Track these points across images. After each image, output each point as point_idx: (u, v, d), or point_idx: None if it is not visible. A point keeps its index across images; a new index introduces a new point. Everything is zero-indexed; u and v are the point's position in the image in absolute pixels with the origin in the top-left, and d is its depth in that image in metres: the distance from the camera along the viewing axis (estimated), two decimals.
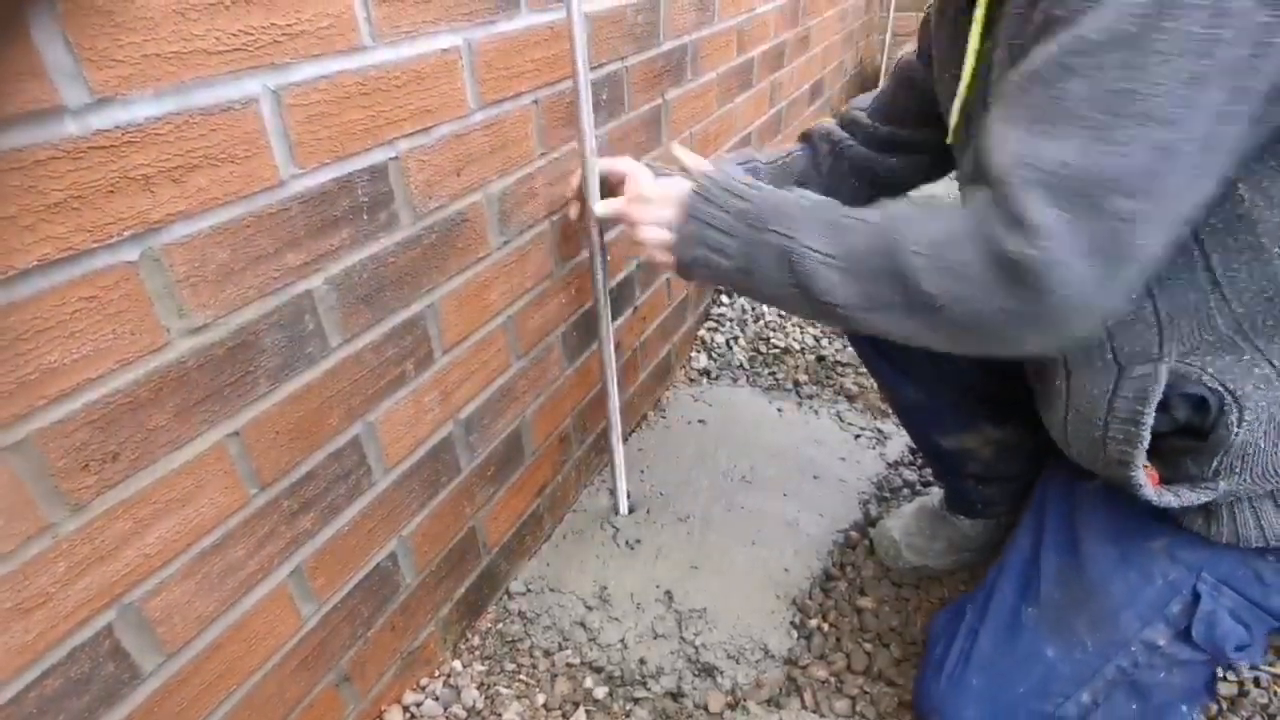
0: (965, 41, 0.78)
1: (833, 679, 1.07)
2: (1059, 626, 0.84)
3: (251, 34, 0.63)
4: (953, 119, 0.84)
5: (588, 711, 1.04)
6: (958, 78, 0.80)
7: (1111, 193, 0.56)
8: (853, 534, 1.31)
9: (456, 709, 1.03)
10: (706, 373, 1.77)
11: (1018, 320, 0.62)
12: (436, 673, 1.09)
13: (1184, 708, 0.84)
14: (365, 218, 0.79)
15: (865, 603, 1.17)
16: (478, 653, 1.13)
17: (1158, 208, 0.57)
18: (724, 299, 1.92)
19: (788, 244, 0.72)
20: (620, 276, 1.36)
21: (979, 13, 0.75)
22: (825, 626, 1.15)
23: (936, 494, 1.29)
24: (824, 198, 0.78)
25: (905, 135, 1.08)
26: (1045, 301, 0.59)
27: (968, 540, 1.21)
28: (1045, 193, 0.57)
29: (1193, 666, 0.82)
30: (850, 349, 1.79)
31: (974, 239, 0.61)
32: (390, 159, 0.80)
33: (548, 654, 1.12)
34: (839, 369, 1.75)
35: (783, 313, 1.89)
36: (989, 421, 1.11)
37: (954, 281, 0.63)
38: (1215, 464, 0.73)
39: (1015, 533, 0.96)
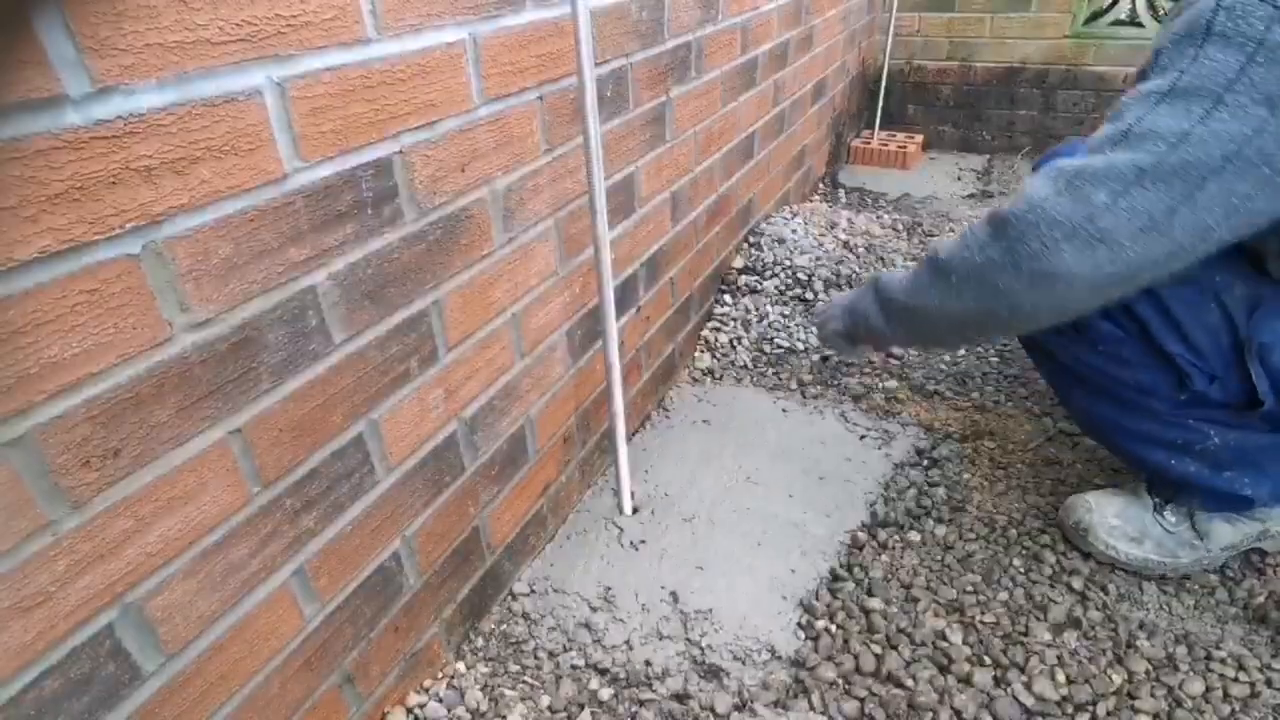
0: None
1: (841, 680, 1.06)
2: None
3: (255, 24, 0.62)
4: None
5: (593, 713, 1.03)
6: None
7: None
8: (859, 535, 1.30)
9: (460, 711, 1.02)
10: (710, 372, 1.76)
11: None
12: (440, 674, 1.08)
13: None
14: (369, 213, 0.78)
15: (873, 604, 1.16)
16: (481, 654, 1.12)
17: None
18: (727, 299, 1.91)
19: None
20: (624, 275, 1.35)
21: None
22: (833, 628, 1.14)
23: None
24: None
25: None
26: None
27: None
28: None
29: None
30: None
31: None
32: (395, 153, 0.79)
33: (552, 655, 1.11)
34: (843, 369, 1.74)
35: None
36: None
37: None
38: None
39: None
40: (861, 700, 1.03)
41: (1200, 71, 0.80)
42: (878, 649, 1.10)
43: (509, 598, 1.21)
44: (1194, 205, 0.80)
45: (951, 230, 2.41)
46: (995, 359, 1.75)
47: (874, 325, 1.12)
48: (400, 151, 0.80)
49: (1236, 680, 1.03)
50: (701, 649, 1.10)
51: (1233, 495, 1.13)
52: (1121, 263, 0.83)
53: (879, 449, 1.51)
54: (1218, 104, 0.79)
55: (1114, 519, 1.21)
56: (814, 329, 1.23)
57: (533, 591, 1.21)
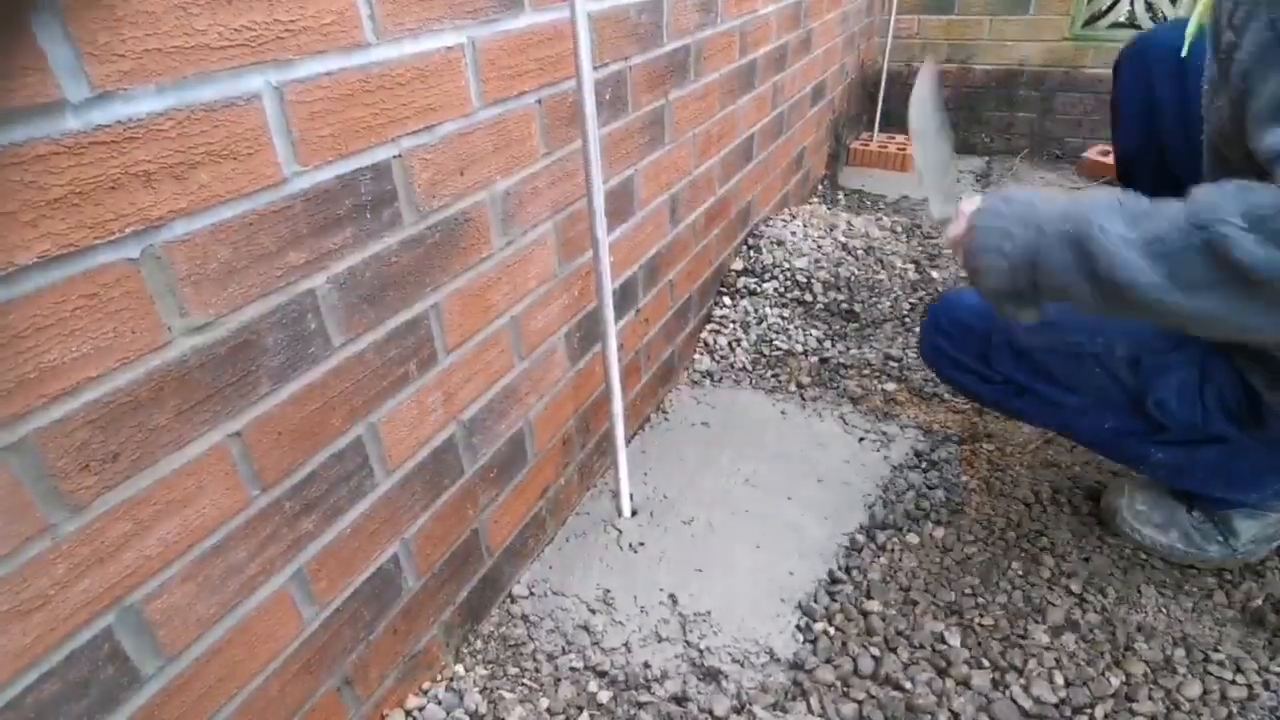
0: None
1: (839, 683, 1.06)
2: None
3: (254, 29, 0.62)
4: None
5: (591, 716, 1.03)
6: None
7: None
8: (858, 537, 1.30)
9: (459, 713, 1.02)
10: (709, 375, 1.76)
11: None
12: (439, 677, 1.08)
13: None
14: (368, 216, 0.78)
15: (872, 606, 1.16)
16: (480, 657, 1.12)
17: None
18: (726, 301, 1.91)
19: (1081, 230, 0.77)
20: (623, 278, 1.35)
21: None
22: (831, 630, 1.14)
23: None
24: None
25: None
26: None
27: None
28: None
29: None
30: (854, 352, 1.79)
31: None
32: (393, 157, 0.79)
33: (551, 658, 1.11)
34: (842, 371, 1.74)
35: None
36: None
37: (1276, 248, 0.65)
38: None
39: None
40: (860, 703, 1.03)
41: None
42: (876, 651, 1.10)
43: (508, 600, 1.21)
44: None
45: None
46: None
47: (1070, 297, 0.82)
48: (399, 155, 0.80)
49: (1234, 683, 1.03)
50: (700, 651, 1.10)
51: (1207, 497, 1.19)
52: None
53: (878, 451, 1.51)
54: None
55: (1141, 505, 1.25)
56: (957, 260, 1.12)
57: (532, 594, 1.21)
